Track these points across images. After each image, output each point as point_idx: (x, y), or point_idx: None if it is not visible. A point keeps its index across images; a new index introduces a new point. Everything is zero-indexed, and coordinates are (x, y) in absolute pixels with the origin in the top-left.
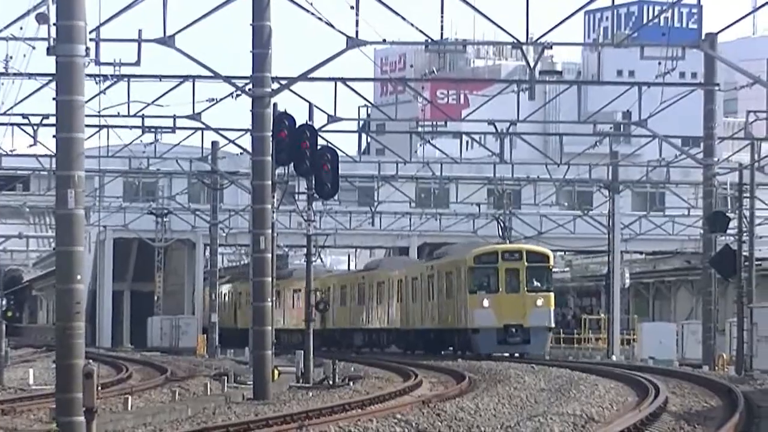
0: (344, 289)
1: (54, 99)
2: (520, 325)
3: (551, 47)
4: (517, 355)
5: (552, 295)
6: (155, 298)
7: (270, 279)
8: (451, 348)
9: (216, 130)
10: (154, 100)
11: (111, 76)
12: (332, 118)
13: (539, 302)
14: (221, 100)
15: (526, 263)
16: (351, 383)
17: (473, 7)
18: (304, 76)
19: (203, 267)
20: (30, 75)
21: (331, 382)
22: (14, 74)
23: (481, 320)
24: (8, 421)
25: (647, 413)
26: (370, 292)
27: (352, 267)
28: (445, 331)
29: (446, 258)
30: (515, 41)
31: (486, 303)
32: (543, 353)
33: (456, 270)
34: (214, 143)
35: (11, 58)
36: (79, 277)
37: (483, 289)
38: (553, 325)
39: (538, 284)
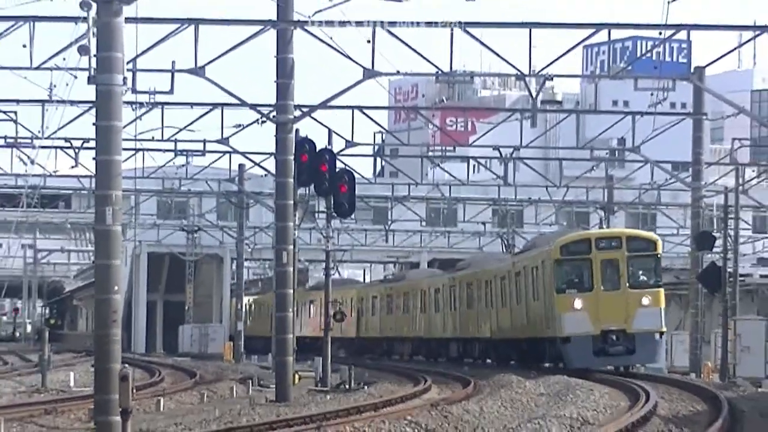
0: (438, 293)
1: (94, 124)
2: (623, 330)
3: (552, 79)
4: (622, 369)
5: (662, 291)
6: (186, 307)
7: (291, 291)
8: (547, 362)
9: (243, 154)
10: (186, 126)
11: (146, 103)
12: (350, 143)
13: (645, 301)
14: (248, 126)
15: (627, 252)
16: (365, 387)
17: (480, 42)
18: (324, 104)
19: (230, 279)
20: (72, 102)
21: (347, 386)
22: (57, 101)
23: (572, 326)
24: (50, 420)
25: (638, 416)
26: (461, 295)
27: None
28: (536, 340)
29: (532, 251)
30: (519, 73)
31: (578, 304)
32: (655, 364)
33: (541, 264)
34: (240, 166)
35: (55, 86)
36: (116, 288)
37: (573, 287)
38: (664, 328)
39: (644, 278)
